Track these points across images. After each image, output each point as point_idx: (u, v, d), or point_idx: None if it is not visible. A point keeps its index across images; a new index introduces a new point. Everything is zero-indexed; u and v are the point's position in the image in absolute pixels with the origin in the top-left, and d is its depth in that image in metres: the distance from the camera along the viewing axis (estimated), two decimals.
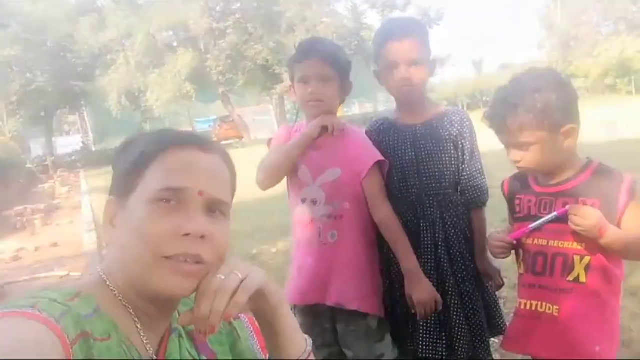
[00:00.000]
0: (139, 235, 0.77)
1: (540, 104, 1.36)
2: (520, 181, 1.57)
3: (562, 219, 1.42)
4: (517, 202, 1.55)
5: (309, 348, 0.91)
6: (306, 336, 0.93)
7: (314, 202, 1.76)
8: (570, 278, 1.42)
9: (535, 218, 1.48)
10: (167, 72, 24.72)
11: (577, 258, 1.41)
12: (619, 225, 1.39)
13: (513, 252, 1.56)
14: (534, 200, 1.50)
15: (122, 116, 26.24)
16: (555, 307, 1.43)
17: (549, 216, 1.42)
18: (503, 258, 1.58)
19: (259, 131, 30.08)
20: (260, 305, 0.84)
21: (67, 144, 31.69)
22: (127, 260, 0.80)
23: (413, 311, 1.71)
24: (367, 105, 32.60)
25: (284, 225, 5.62)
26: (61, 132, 40.35)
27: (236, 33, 24.26)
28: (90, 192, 12.35)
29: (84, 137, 33.06)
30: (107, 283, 0.82)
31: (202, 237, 0.79)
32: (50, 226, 8.47)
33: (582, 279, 1.41)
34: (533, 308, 1.48)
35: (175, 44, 27.32)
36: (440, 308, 1.69)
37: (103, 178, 15.54)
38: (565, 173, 1.46)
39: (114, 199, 0.84)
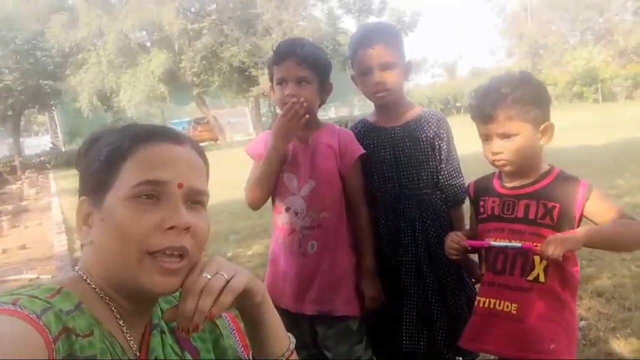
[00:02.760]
0: (120, 233, 0.77)
1: (528, 96, 1.45)
2: (486, 184, 1.64)
3: (524, 219, 1.49)
4: (481, 203, 1.61)
5: (292, 346, 0.93)
6: (290, 334, 0.94)
7: (296, 213, 1.77)
8: (530, 277, 1.48)
9: (498, 218, 1.55)
10: (140, 73, 24.29)
11: (537, 258, 1.47)
12: (577, 226, 1.47)
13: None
14: (498, 201, 1.56)
15: (93, 117, 25.64)
16: (513, 305, 1.49)
17: (514, 244, 1.48)
18: (455, 258, 1.64)
19: (235, 133, 29.89)
20: (245, 304, 0.85)
21: (36, 144, 30.82)
22: (107, 259, 0.79)
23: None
24: (343, 109, 32.69)
25: (258, 227, 5.64)
26: (29, 132, 39.28)
27: (211, 34, 24.03)
28: (60, 193, 12.06)
29: (53, 137, 32.23)
30: (87, 280, 0.81)
31: (187, 229, 0.79)
32: (18, 228, 8.26)
33: (542, 278, 1.47)
34: (491, 306, 1.52)
35: (148, 44, 26.90)
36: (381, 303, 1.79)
37: (73, 179, 15.18)
38: (530, 177, 1.53)
39: (86, 199, 0.83)
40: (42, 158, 24.45)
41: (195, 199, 0.83)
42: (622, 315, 2.75)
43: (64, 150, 27.94)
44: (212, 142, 25.74)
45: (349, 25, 28.06)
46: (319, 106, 1.82)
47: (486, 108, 1.48)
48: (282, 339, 0.91)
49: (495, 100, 1.46)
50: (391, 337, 1.80)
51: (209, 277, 0.79)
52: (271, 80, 1.81)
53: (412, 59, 1.90)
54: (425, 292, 1.77)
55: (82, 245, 0.84)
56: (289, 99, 1.69)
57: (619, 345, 2.46)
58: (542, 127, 1.48)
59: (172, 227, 0.78)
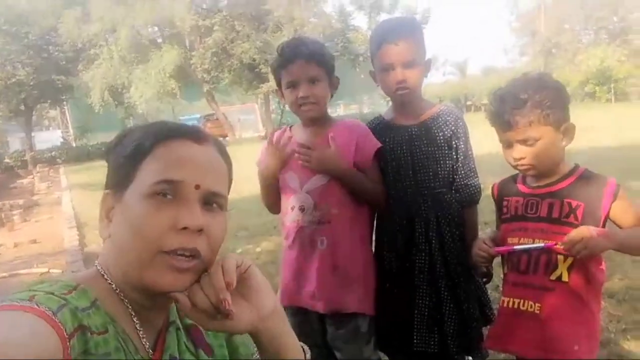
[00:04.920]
0: (135, 229, 0.77)
1: (547, 100, 1.43)
2: (509, 184, 1.63)
3: (547, 218, 1.48)
4: (505, 203, 1.60)
5: (308, 354, 0.91)
6: (303, 344, 0.92)
7: (301, 209, 1.77)
8: (553, 277, 1.47)
9: (522, 217, 1.53)
10: (152, 69, 24.39)
11: (560, 257, 1.46)
12: (603, 226, 1.45)
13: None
14: (522, 201, 1.55)
15: (104, 112, 25.85)
16: (537, 305, 1.47)
17: (537, 245, 1.46)
18: (483, 265, 1.63)
19: (244, 130, 29.95)
20: (268, 331, 0.83)
21: (47, 139, 31.11)
22: (123, 255, 0.79)
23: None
24: (352, 106, 32.65)
25: (267, 224, 5.64)
26: (41, 126, 39.65)
27: (222, 30, 24.07)
28: (71, 188, 12.18)
29: (64, 132, 32.53)
30: (105, 277, 0.81)
31: (200, 230, 0.78)
32: (29, 222, 8.34)
33: (565, 278, 1.46)
34: (516, 306, 1.52)
35: (160, 40, 27.02)
36: None
37: (83, 174, 15.38)
38: (553, 176, 1.52)
39: (110, 193, 0.83)
40: (53, 153, 24.71)
41: (212, 201, 0.82)
42: (634, 317, 2.73)
43: (74, 145, 28.21)
44: (222, 139, 25.76)
45: (360, 22, 28.01)
46: (328, 100, 1.83)
47: (505, 115, 1.46)
48: (299, 352, 0.90)
49: (514, 107, 1.44)
50: (402, 336, 1.79)
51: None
52: (278, 84, 1.81)
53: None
54: (437, 292, 1.75)
55: (103, 239, 0.84)
56: (302, 100, 1.71)
57: (630, 347, 2.45)
58: (562, 127, 1.46)
59: (185, 228, 0.77)
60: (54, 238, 6.64)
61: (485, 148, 1.64)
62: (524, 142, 1.45)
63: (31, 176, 15.67)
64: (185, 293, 0.78)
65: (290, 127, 1.89)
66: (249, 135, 27.71)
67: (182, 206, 0.78)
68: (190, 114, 32.71)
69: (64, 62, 25.97)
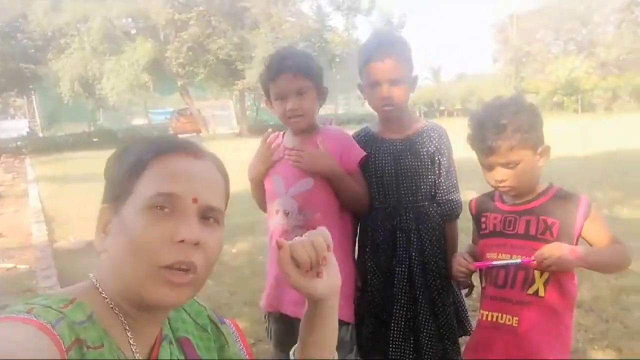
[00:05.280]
0: (133, 243, 0.77)
1: (525, 124, 1.48)
2: (487, 201, 1.68)
3: (525, 235, 1.53)
4: (483, 219, 1.65)
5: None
6: (335, 353, 1.00)
7: (286, 214, 1.78)
8: (530, 291, 1.52)
9: (500, 234, 1.59)
10: (124, 61, 23.90)
11: (537, 273, 1.51)
12: (576, 243, 1.51)
13: None
14: (500, 217, 1.60)
15: (74, 103, 25.23)
16: (515, 318, 1.53)
17: (514, 261, 1.52)
18: (462, 279, 1.70)
19: (219, 126, 29.64)
20: (323, 304, 0.94)
21: (12, 128, 30.13)
22: (120, 269, 0.79)
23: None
24: (328, 106, 32.76)
25: (243, 225, 5.60)
26: (6, 115, 38.38)
27: (199, 25, 23.76)
28: (38, 180, 11.81)
29: (31, 121, 31.58)
30: (100, 290, 0.81)
31: (196, 244, 0.78)
32: None
33: (541, 293, 1.51)
34: (494, 319, 1.56)
35: (134, 32, 26.49)
36: None
37: (51, 166, 14.95)
38: (530, 194, 1.58)
39: (108, 207, 0.83)
40: (18, 143, 23.93)
41: (209, 215, 0.83)
42: (600, 327, 2.82)
43: (41, 135, 27.39)
44: (195, 134, 25.51)
45: (338, 23, 28.11)
46: (317, 110, 1.85)
47: (487, 141, 1.50)
48: (332, 347, 0.97)
49: (495, 133, 1.49)
50: (381, 346, 1.82)
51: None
52: (267, 95, 1.83)
53: None
54: (415, 303, 1.79)
55: (99, 253, 0.84)
56: (291, 113, 1.74)
57: (597, 356, 2.53)
58: (540, 149, 1.52)
59: (181, 241, 0.78)
60: (21, 232, 6.44)
61: (456, 154, 1.70)
62: (505, 165, 1.51)
63: None
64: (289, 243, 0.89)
65: (283, 134, 1.91)
66: (224, 131, 27.44)
67: (180, 219, 0.78)
68: (163, 107, 32.23)
69: (32, 50, 25.18)
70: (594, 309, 3.04)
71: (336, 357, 0.97)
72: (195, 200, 0.80)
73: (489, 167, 1.56)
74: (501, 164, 1.51)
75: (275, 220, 1.82)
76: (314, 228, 1.71)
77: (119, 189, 0.82)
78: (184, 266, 0.78)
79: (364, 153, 1.82)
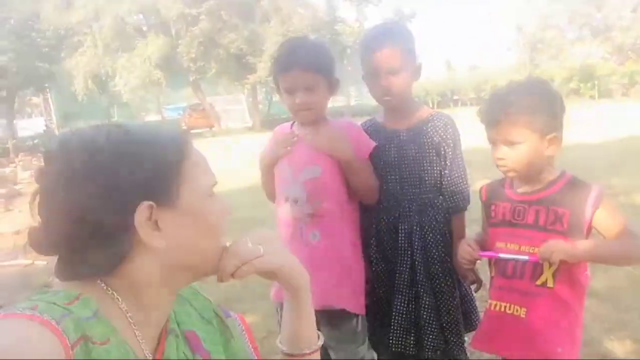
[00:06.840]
0: (211, 228, 0.84)
1: (534, 106, 1.45)
2: (497, 188, 1.65)
3: (534, 225, 1.51)
4: (492, 207, 1.62)
5: (315, 346, 0.97)
6: (319, 333, 0.99)
7: (295, 201, 1.78)
8: (539, 282, 1.51)
9: (509, 223, 1.56)
10: (137, 57, 24.02)
11: (546, 264, 1.49)
12: (587, 233, 1.48)
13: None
14: (509, 206, 1.58)
15: (88, 100, 25.46)
16: (523, 309, 1.51)
17: (522, 256, 1.50)
18: (466, 267, 1.69)
19: (231, 121, 29.72)
20: (283, 283, 0.95)
21: (29, 126, 30.58)
22: (192, 252, 0.83)
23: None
24: (339, 98, 32.61)
25: (251, 218, 5.60)
26: (23, 114, 38.90)
27: (210, 20, 23.75)
28: None
29: (47, 120, 31.97)
30: (102, 285, 0.80)
31: None
32: (12, 212, 8.20)
33: (550, 284, 1.50)
34: (502, 309, 1.55)
35: (145, 28, 26.60)
36: None
37: None
38: (540, 182, 1.54)
39: (152, 204, 0.78)
40: (35, 141, 24.26)
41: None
42: (616, 316, 2.78)
43: (57, 133, 27.71)
44: (208, 129, 25.62)
45: (348, 14, 27.94)
46: (328, 101, 1.85)
47: (492, 112, 1.49)
48: (309, 337, 0.97)
49: (501, 106, 1.47)
50: (386, 337, 1.82)
51: (249, 244, 0.87)
52: (277, 86, 1.82)
53: None
54: (416, 295, 1.78)
55: (153, 248, 0.81)
56: (300, 107, 1.73)
57: (613, 347, 2.49)
58: (549, 136, 1.47)
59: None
60: None
61: (469, 143, 1.67)
62: (506, 142, 1.48)
63: (13, 164, 15.38)
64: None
65: (293, 124, 1.90)
66: (236, 126, 27.52)
67: (219, 200, 0.88)
68: (176, 103, 32.39)
69: (46, 49, 25.41)
70: (609, 299, 2.98)
71: (319, 344, 0.99)
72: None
73: (492, 141, 1.54)
74: (502, 140, 1.49)
75: (284, 208, 1.83)
76: (322, 216, 1.73)
77: (162, 186, 0.79)
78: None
79: (374, 144, 1.81)
